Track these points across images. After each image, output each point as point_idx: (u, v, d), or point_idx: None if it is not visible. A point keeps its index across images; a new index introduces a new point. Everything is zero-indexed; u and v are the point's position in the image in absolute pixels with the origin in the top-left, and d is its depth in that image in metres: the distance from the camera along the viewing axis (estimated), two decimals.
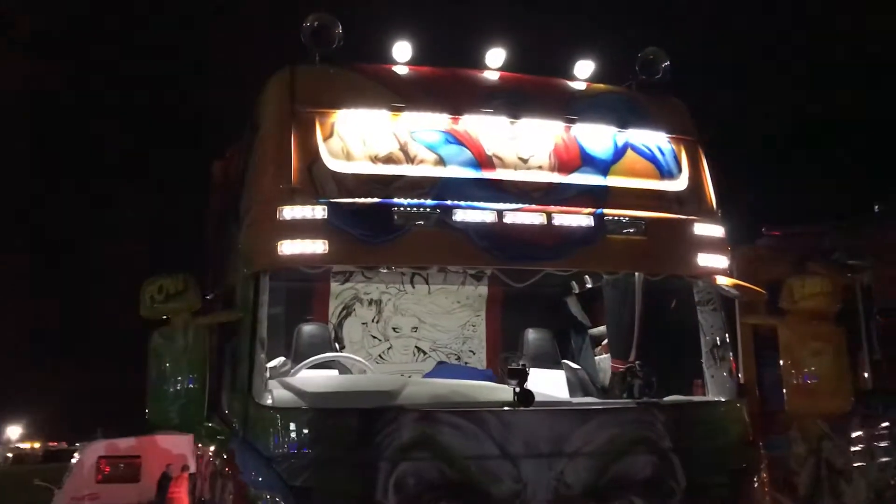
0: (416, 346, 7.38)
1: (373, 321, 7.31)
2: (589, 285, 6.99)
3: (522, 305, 7.46)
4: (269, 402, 4.53)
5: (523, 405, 4.50)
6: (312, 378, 5.34)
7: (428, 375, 6.91)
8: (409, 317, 7.38)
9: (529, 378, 6.74)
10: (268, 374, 5.83)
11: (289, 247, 4.52)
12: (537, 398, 4.59)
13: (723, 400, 5.16)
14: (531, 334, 6.93)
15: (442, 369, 7.14)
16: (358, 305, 7.28)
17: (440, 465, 4.29)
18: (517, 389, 4.55)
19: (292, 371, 5.62)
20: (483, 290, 7.47)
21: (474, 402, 4.68)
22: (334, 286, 7.18)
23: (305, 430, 4.29)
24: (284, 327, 6.45)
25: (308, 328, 6.45)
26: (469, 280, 7.41)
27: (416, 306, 7.38)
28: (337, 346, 6.47)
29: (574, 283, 7.24)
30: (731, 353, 5.28)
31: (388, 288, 7.29)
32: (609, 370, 6.67)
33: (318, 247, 4.52)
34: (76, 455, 13.40)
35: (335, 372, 5.89)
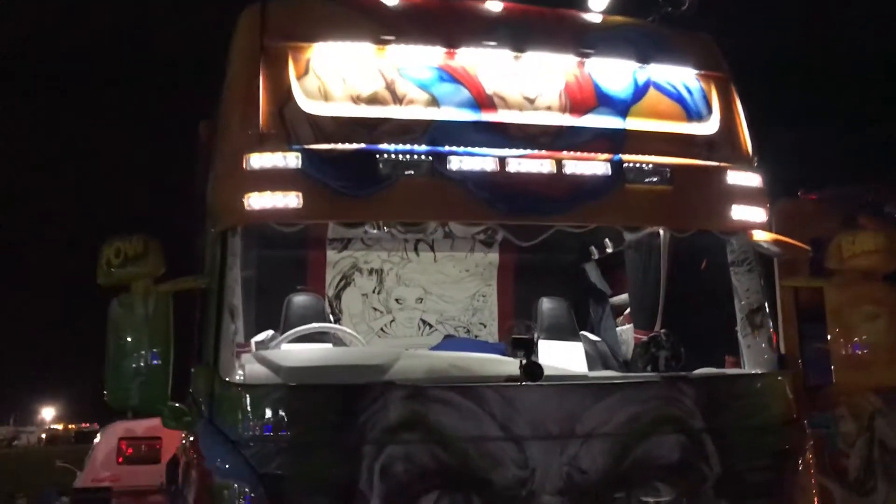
0: (421, 319, 6.79)
1: (374, 292, 6.72)
2: (609, 249, 6.36)
3: (537, 273, 6.85)
4: (240, 377, 3.97)
5: (530, 379, 3.89)
6: (294, 351, 4.77)
7: (434, 350, 6.35)
8: (414, 287, 6.78)
9: (544, 351, 6.20)
10: (253, 349, 5.33)
11: (257, 200, 3.93)
12: (548, 372, 3.99)
13: (761, 373, 4.52)
14: (546, 304, 6.31)
15: (449, 343, 6.56)
16: (357, 275, 6.69)
17: (433, 448, 3.71)
18: (523, 362, 3.95)
19: (272, 344, 5.05)
20: (494, 256, 6.86)
21: (475, 376, 4.08)
22: (331, 254, 6.60)
23: (277, 410, 3.72)
24: (276, 299, 5.89)
25: (300, 299, 5.88)
26: (478, 246, 6.80)
27: (420, 276, 6.78)
28: (332, 318, 5.91)
29: (593, 247, 6.61)
30: (770, 320, 4.63)
31: (389, 256, 6.70)
32: (632, 342, 6.04)
33: (291, 200, 3.93)
34: (98, 436, 13.17)
35: (329, 346, 5.32)
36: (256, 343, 5.57)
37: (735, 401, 4.23)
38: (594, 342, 6.27)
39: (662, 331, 5.14)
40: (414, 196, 4.06)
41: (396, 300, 6.75)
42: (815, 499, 4.29)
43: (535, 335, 5.65)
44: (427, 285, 6.78)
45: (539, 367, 3.94)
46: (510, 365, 4.08)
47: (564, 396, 3.94)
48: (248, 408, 3.74)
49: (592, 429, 3.88)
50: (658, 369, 4.79)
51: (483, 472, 3.74)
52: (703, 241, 4.75)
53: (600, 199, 4.28)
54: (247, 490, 3.57)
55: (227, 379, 3.86)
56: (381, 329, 6.72)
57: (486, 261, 6.86)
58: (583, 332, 6.35)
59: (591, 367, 6.00)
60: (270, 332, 5.70)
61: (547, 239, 6.52)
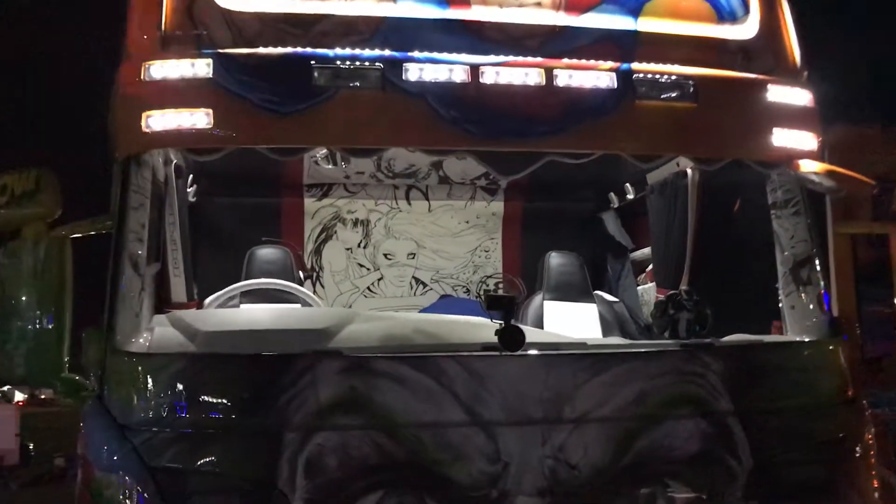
0: (413, 277, 5.94)
1: (359, 246, 5.88)
2: (631, 196, 5.43)
3: (547, 225, 5.95)
4: (143, 344, 3.16)
5: (507, 348, 3.02)
6: (221, 313, 3.96)
7: (426, 311, 5.51)
8: (405, 240, 5.92)
9: (551, 314, 5.33)
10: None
11: (158, 120, 3.09)
12: (533, 338, 3.13)
13: (807, 340, 3.60)
14: (555, 259, 5.43)
15: (445, 304, 5.71)
16: (340, 227, 5.85)
17: (377, 435, 2.87)
18: (500, 326, 3.08)
19: (206, 303, 4.23)
20: (498, 206, 5.96)
21: (443, 344, 3.21)
22: (309, 202, 5.76)
23: (177, 386, 2.90)
24: (244, 253, 5.11)
25: (263, 253, 5.08)
26: (480, 194, 5.92)
27: (413, 227, 5.92)
28: (301, 275, 5.09)
29: (612, 194, 5.68)
30: (819, 276, 3.68)
31: (377, 205, 5.85)
32: (654, 303, 5.13)
33: (199, 119, 3.08)
34: None
35: (281, 307, 4.50)
36: (210, 301, 4.80)
37: (773, 375, 3.31)
38: (611, 303, 5.37)
39: (683, 288, 4.22)
40: (359, 114, 3.18)
41: (385, 255, 5.91)
42: (877, 498, 3.38)
43: (521, 293, 4.78)
44: (421, 238, 5.93)
45: (519, 333, 3.06)
46: (491, 330, 3.22)
47: (552, 370, 3.06)
48: (142, 382, 2.93)
49: (586, 411, 3.01)
50: (678, 336, 3.88)
51: (441, 467, 2.89)
52: (736, 176, 3.81)
53: (603, 119, 3.35)
54: (133, 488, 2.78)
55: (120, 346, 3.04)
56: (368, 288, 5.89)
57: (488, 211, 5.97)
58: (598, 293, 5.45)
59: (605, 333, 5.12)
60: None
61: (559, 184, 5.67)
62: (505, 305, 3.14)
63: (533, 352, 3.09)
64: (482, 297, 3.42)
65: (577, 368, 3.08)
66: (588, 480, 2.95)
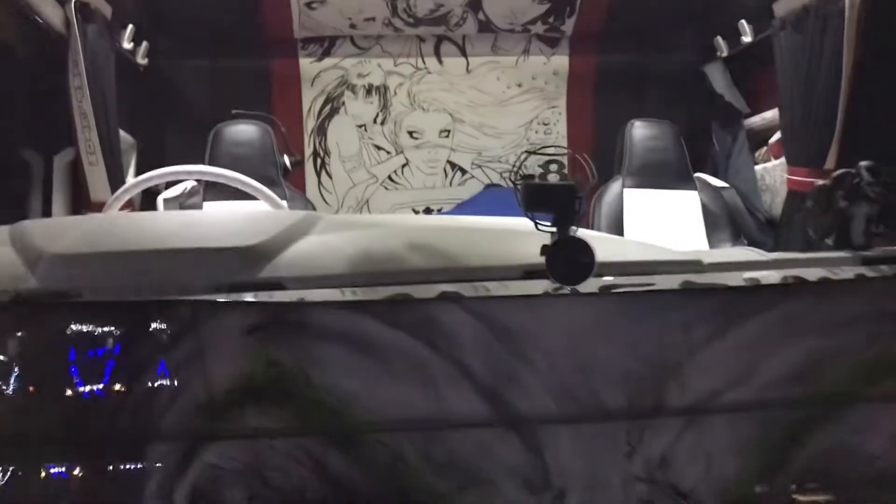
0: (448, 161, 4.52)
1: (375, 122, 4.47)
2: (747, 38, 3.83)
3: (629, 85, 4.42)
4: None
5: (561, 279, 1.59)
6: (99, 221, 2.59)
7: (463, 209, 4.14)
8: (437, 112, 4.48)
9: (633, 207, 3.88)
10: (160, 208, 3.32)
11: None
12: (609, 257, 1.68)
13: None
14: (640, 131, 3.94)
15: (490, 197, 4.33)
16: (349, 96, 4.43)
17: (321, 446, 1.53)
18: (552, 236, 1.64)
19: (108, 203, 2.87)
20: (561, 62, 4.43)
21: (449, 271, 1.79)
22: (306, 63, 4.33)
23: None
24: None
25: (233, 131, 3.73)
26: (535, 44, 4.39)
27: (446, 94, 4.45)
28: (286, 160, 3.72)
29: (720, 38, 4.08)
30: None
31: (397, 65, 4.39)
32: (783, 189, 3.60)
33: None
34: None
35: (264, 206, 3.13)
36: (165, 200, 3.51)
37: None
38: (718, 190, 3.88)
39: (864, 164, 2.67)
40: None
41: (410, 133, 4.48)
42: None
43: (590, 178, 3.32)
44: (457, 109, 4.47)
45: (583, 249, 1.61)
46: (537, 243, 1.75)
47: (647, 317, 1.64)
48: None
49: (713, 393, 1.60)
50: (855, 243, 2.39)
51: (440, 501, 1.55)
52: None
53: None
54: None
55: None
56: (389, 178, 4.50)
57: (548, 68, 4.45)
58: (699, 175, 3.96)
59: (711, 233, 3.67)
60: (190, 185, 3.60)
61: (644, 26, 4.08)
62: (559, 199, 1.68)
63: (609, 282, 1.66)
64: (516, 184, 1.87)
65: (692, 313, 1.64)
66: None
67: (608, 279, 1.69)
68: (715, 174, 4.03)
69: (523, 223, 2.05)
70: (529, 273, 1.71)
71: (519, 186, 1.74)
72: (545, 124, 4.49)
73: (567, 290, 1.64)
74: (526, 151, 1.97)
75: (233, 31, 3.97)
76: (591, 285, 1.64)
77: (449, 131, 4.47)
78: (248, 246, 1.73)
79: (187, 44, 3.99)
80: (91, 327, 1.66)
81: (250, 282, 1.66)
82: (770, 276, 1.78)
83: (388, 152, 4.46)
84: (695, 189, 3.79)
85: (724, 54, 4.08)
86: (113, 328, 1.66)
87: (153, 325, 1.62)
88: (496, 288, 1.67)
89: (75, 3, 2.85)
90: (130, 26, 3.53)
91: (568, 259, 1.65)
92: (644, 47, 4.29)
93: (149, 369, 1.57)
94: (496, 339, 1.61)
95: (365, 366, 1.61)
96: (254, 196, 2.83)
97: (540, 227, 1.68)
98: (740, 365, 1.66)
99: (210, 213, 2.84)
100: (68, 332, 1.63)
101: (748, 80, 4.05)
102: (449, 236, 1.99)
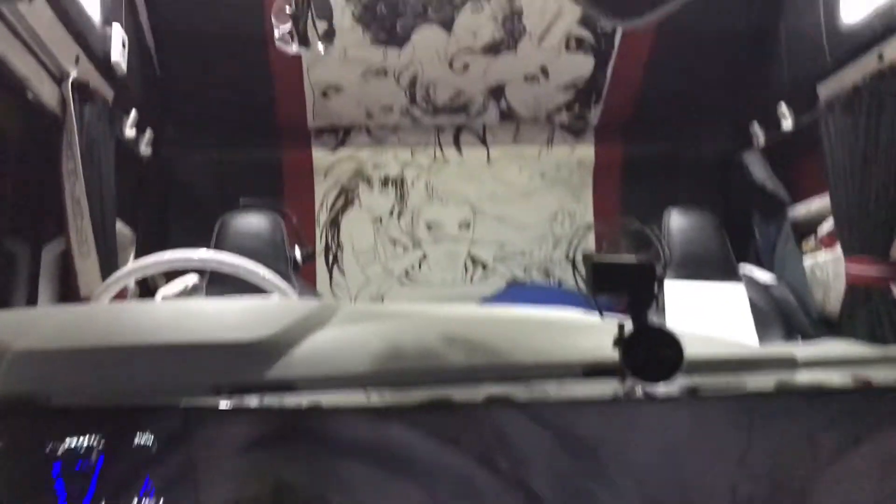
0: (469, 255, 4.25)
1: (391, 214, 4.22)
2: (788, 121, 3.60)
3: (660, 175, 4.18)
4: None
5: (645, 377, 1.27)
6: (81, 312, 2.29)
7: (482, 306, 3.83)
8: (456, 205, 4.23)
9: (675, 302, 3.56)
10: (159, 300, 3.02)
11: None
12: (697, 352, 1.36)
13: None
14: (678, 220, 3.67)
15: (514, 293, 4.02)
16: (364, 188, 4.19)
17: None
18: (628, 328, 1.32)
19: (95, 294, 2.55)
20: (587, 151, 4.21)
21: (496, 368, 1.48)
22: (320, 154, 4.11)
23: None
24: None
25: (242, 222, 3.47)
26: (560, 135, 4.18)
27: (466, 185, 4.22)
28: (297, 253, 3.43)
29: (756, 123, 3.86)
30: None
31: (414, 156, 4.17)
32: (836, 283, 3.29)
33: None
34: None
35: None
36: (164, 299, 3.22)
37: None
38: (765, 285, 3.57)
39: None
40: None
41: (428, 226, 4.22)
42: None
43: (664, 257, 3.05)
44: (477, 202, 4.22)
45: (670, 342, 1.29)
46: (603, 335, 1.43)
47: (750, 424, 1.30)
48: None
49: None
50: None
51: None
52: None
53: None
54: None
55: None
56: (406, 273, 4.21)
57: (573, 159, 4.23)
58: (745, 267, 3.66)
59: (762, 330, 3.33)
60: (192, 282, 3.31)
61: (674, 114, 3.86)
62: (635, 279, 1.37)
63: (697, 383, 1.33)
64: (575, 261, 1.54)
65: (818, 419, 1.31)
66: None
67: (694, 378, 1.36)
68: (760, 266, 3.73)
69: (570, 314, 1.74)
70: (591, 371, 1.38)
71: (581, 265, 1.42)
72: (571, 215, 4.23)
73: (640, 392, 1.31)
74: (588, 226, 1.67)
75: (243, 120, 3.78)
76: (673, 386, 1.31)
77: (469, 224, 4.21)
78: (254, 340, 1.40)
79: (195, 132, 3.79)
80: (62, 438, 1.33)
81: (256, 383, 1.33)
82: (888, 375, 1.44)
83: (405, 247, 4.19)
84: (740, 281, 3.48)
85: (763, 142, 3.85)
86: (85, 439, 1.32)
87: (136, 437, 1.28)
88: (555, 389, 1.34)
89: (73, 81, 2.64)
90: (134, 112, 3.32)
91: (648, 352, 1.33)
92: (674, 136, 4.07)
93: (132, 488, 1.23)
94: (567, 453, 1.27)
95: (399, 489, 1.26)
96: (262, 290, 2.54)
97: (604, 314, 1.37)
98: (858, 477, 1.32)
99: (208, 303, 2.53)
100: (36, 443, 1.30)
101: (791, 168, 3.80)
102: (491, 328, 1.67)
